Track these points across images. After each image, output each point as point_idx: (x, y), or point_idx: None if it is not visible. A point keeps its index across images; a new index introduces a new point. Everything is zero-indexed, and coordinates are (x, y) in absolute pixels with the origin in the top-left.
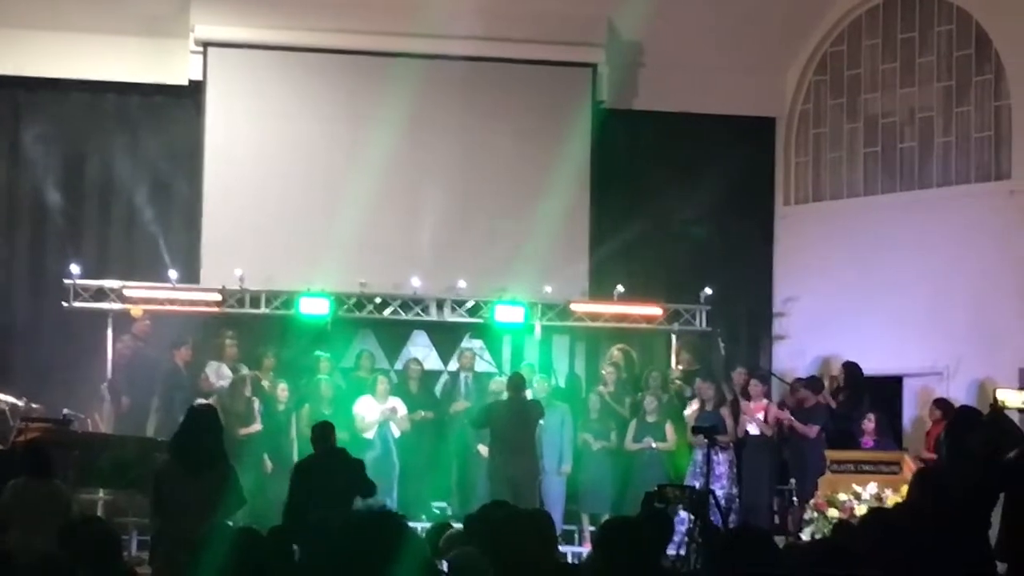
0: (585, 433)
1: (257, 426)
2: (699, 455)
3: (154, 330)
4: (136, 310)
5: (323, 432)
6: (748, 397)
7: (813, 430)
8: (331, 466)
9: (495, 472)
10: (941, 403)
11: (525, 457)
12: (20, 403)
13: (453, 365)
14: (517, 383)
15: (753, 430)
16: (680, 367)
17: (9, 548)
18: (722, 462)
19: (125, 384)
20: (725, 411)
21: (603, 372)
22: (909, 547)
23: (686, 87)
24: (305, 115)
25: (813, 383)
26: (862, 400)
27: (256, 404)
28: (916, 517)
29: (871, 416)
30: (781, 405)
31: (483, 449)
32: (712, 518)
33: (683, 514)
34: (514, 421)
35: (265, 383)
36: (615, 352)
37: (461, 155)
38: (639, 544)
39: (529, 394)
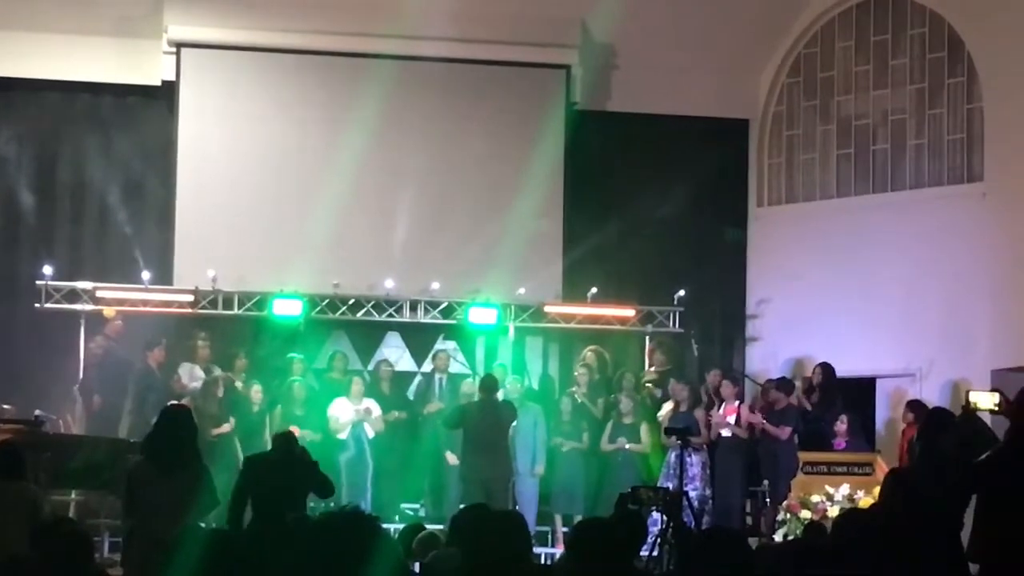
0: (556, 437)
1: (228, 426)
2: (672, 456)
3: (127, 331)
4: (109, 311)
5: (284, 441)
6: (721, 398)
7: (785, 432)
8: (285, 463)
9: (468, 474)
10: (915, 405)
11: (498, 458)
12: None
13: (427, 366)
14: (489, 384)
15: (725, 432)
16: (653, 368)
17: None
18: (695, 463)
19: (96, 383)
20: (699, 412)
21: (575, 374)
22: (881, 547)
23: (659, 89)
24: (278, 116)
25: (784, 384)
26: (835, 401)
27: (228, 406)
28: (889, 518)
29: (843, 418)
30: (752, 407)
31: (451, 457)
32: (685, 519)
33: (656, 515)
34: (487, 422)
35: (238, 384)
36: (588, 354)
37: (435, 156)
38: (611, 545)
39: (501, 395)
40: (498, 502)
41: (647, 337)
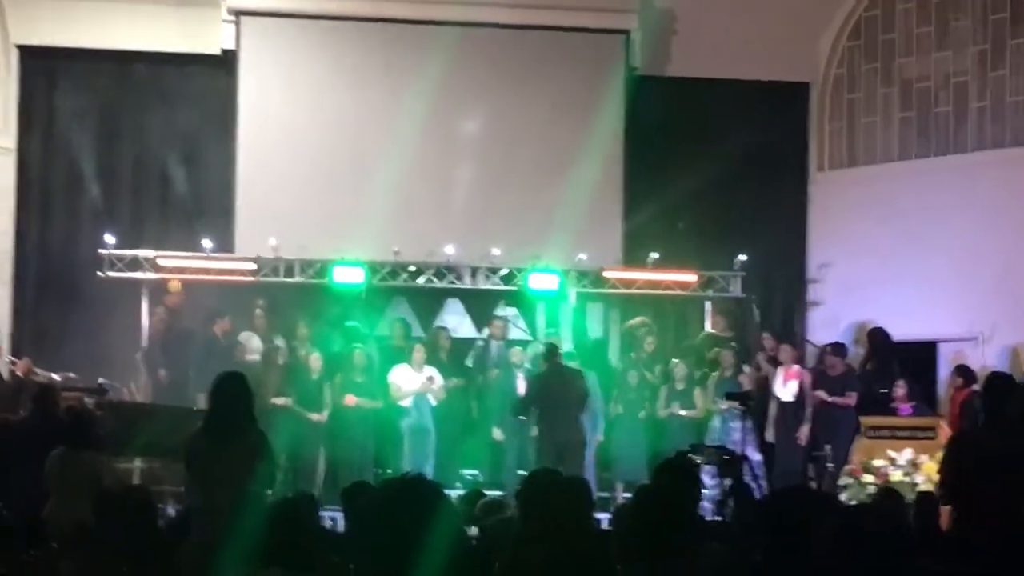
0: (620, 404)
1: (289, 400)
2: (717, 421)
3: (188, 300)
4: (175, 284)
5: None
6: (777, 362)
7: (852, 398)
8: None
9: (540, 439)
10: (963, 370)
11: (568, 423)
12: (57, 377)
13: (484, 333)
14: (552, 353)
15: (786, 396)
16: (713, 331)
17: (45, 517)
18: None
19: (162, 358)
20: (744, 378)
21: (645, 342)
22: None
23: (719, 53)
24: (338, 83)
25: (839, 349)
26: (891, 366)
27: (287, 374)
28: (956, 479)
29: (901, 383)
30: (812, 372)
31: (497, 433)
32: (748, 482)
33: (709, 480)
34: (556, 390)
35: (301, 352)
36: (636, 322)
37: (494, 122)
38: (669, 496)
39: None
40: (571, 467)
41: (708, 302)
